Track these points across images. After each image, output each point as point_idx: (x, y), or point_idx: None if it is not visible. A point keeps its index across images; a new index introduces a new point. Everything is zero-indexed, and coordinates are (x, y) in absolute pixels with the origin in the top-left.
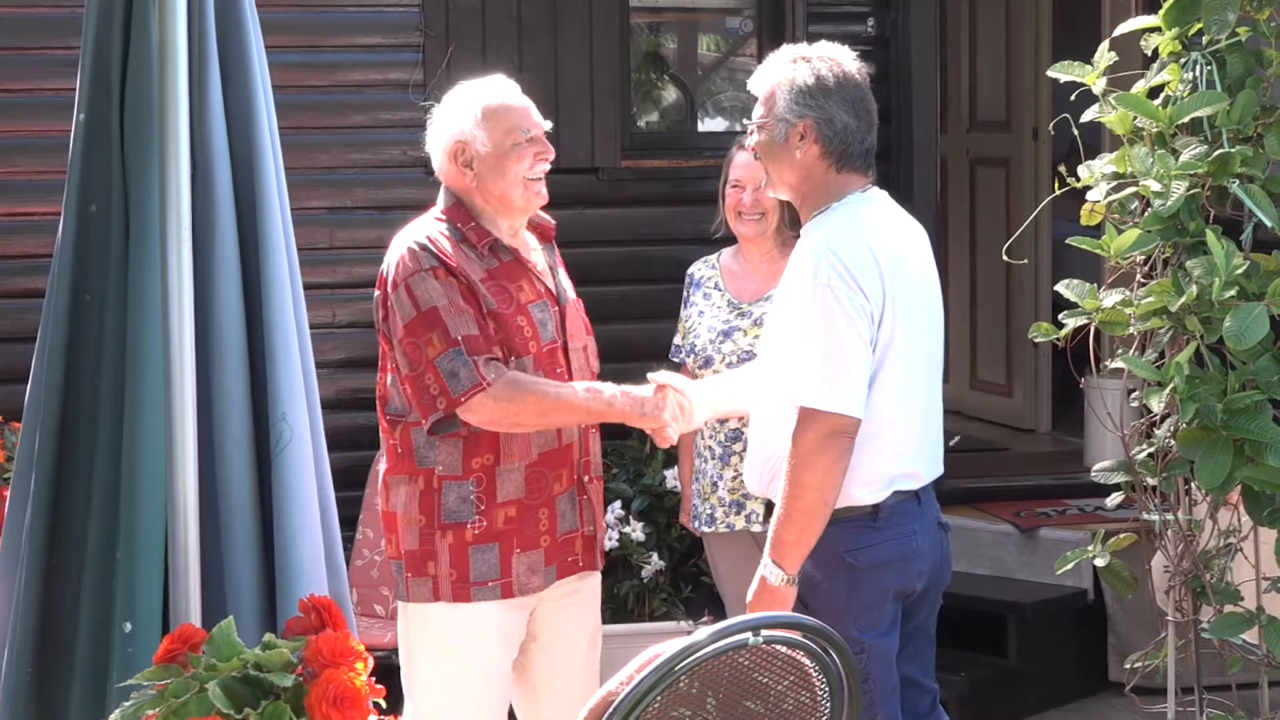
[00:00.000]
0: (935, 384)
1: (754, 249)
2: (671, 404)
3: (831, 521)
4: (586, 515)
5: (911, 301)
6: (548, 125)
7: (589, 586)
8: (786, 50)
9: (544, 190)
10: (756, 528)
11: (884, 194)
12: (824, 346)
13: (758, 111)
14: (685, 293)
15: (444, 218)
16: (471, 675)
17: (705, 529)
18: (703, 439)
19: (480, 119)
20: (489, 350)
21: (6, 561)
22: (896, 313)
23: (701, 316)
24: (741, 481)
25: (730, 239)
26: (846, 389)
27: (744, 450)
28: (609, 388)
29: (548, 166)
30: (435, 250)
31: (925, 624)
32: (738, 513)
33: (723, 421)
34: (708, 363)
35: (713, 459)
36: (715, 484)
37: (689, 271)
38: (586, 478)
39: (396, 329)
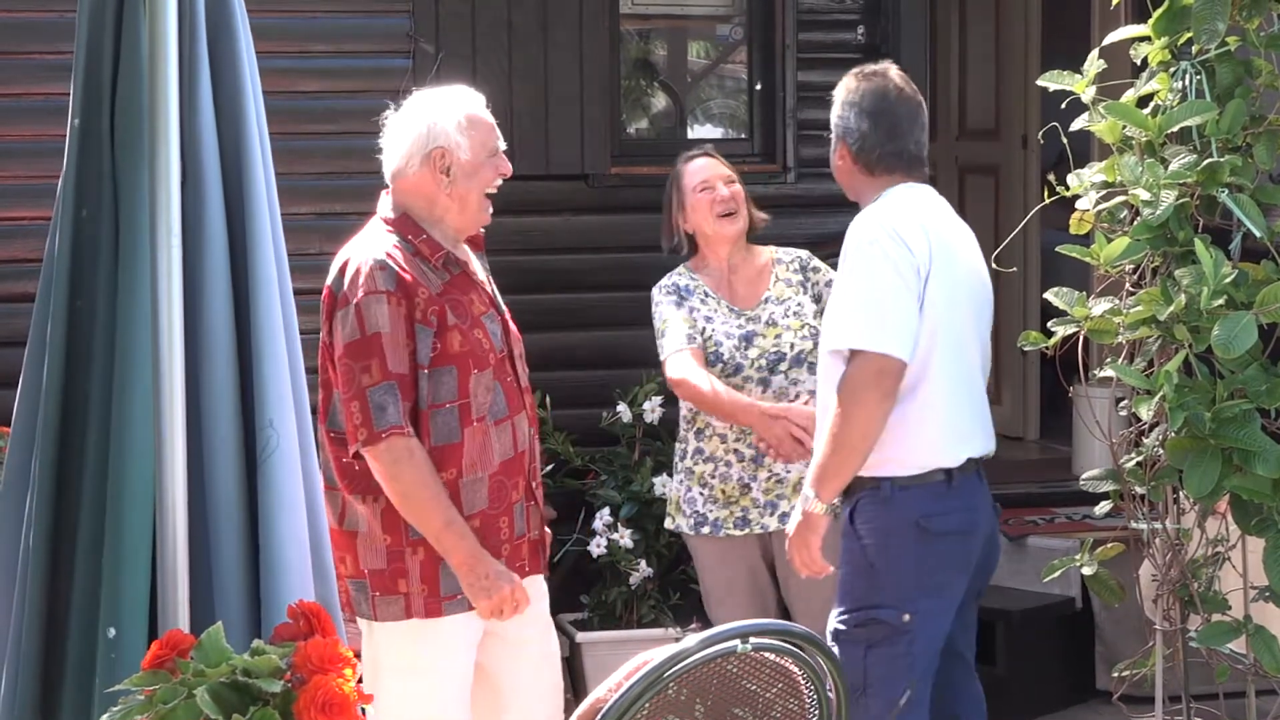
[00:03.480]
0: (987, 367)
1: (727, 257)
2: None
3: (907, 486)
4: (534, 520)
5: (958, 280)
6: (502, 145)
7: (537, 599)
8: (849, 76)
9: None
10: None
11: (933, 191)
12: (870, 292)
13: None
14: (673, 298)
15: (392, 229)
16: (441, 687)
17: (708, 533)
18: (725, 441)
19: (465, 126)
20: (409, 398)
21: (3, 569)
22: (945, 280)
23: (710, 322)
24: (777, 481)
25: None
26: (892, 330)
27: None
28: (468, 534)
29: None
30: (395, 270)
31: (970, 600)
32: (772, 513)
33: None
34: (737, 370)
35: (740, 462)
36: (748, 485)
37: (670, 284)
38: (534, 484)
39: (336, 346)
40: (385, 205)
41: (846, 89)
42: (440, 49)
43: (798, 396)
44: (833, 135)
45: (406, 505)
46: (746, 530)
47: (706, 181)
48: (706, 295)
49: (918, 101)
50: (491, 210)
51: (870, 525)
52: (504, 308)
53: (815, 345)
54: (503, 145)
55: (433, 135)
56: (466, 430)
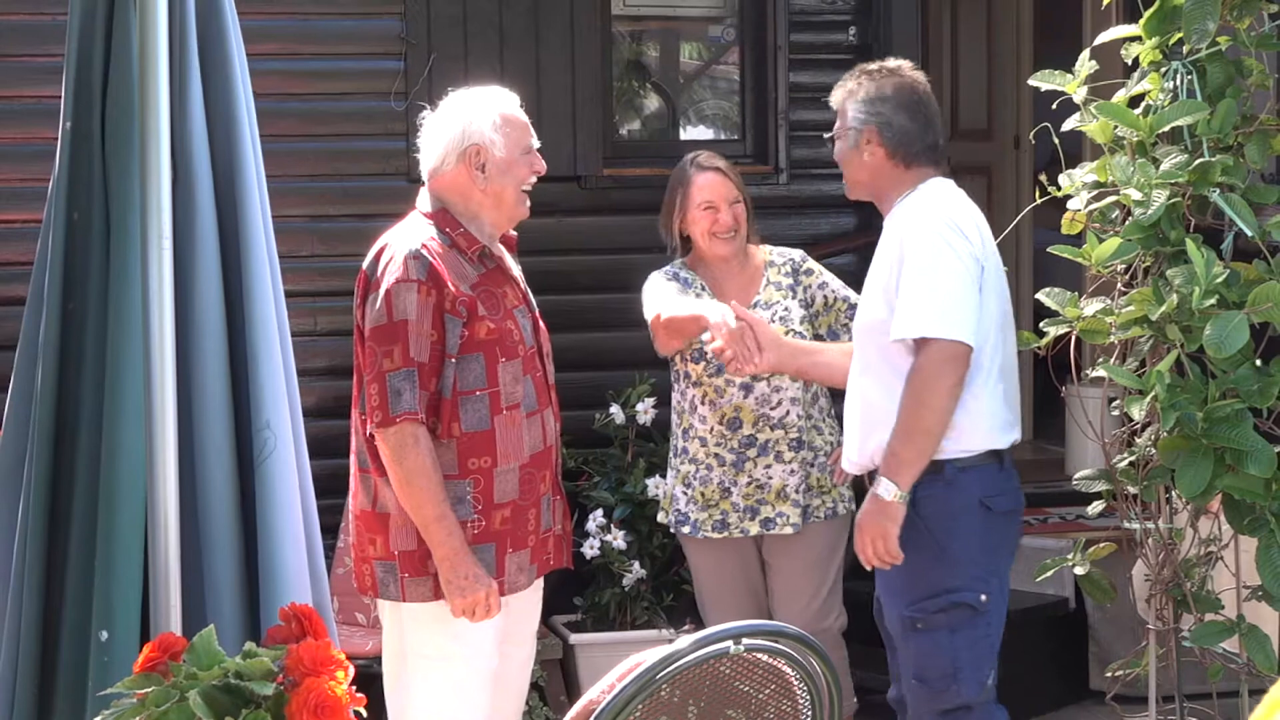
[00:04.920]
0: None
1: (725, 264)
2: None
3: (968, 468)
4: (558, 514)
5: (1000, 270)
6: (536, 143)
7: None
8: (856, 68)
9: (528, 201)
10: (789, 530)
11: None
12: (939, 281)
13: (834, 124)
14: (674, 283)
15: (431, 222)
16: (466, 676)
17: (688, 532)
18: (705, 445)
19: (500, 125)
20: (428, 386)
21: None
22: (992, 269)
23: None
24: (758, 487)
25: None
26: (960, 317)
27: (760, 455)
28: (456, 532)
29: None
30: (429, 261)
31: None
32: (752, 518)
33: (734, 430)
34: (719, 370)
35: (721, 466)
36: (728, 490)
37: (671, 271)
38: (558, 480)
39: (365, 329)
40: (424, 200)
41: (866, 87)
42: (432, 51)
43: (779, 404)
44: (854, 131)
45: (405, 490)
46: (725, 533)
47: (711, 202)
48: (702, 289)
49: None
50: (529, 205)
51: (936, 508)
52: (535, 306)
53: None
54: (537, 144)
55: (468, 134)
56: (497, 419)
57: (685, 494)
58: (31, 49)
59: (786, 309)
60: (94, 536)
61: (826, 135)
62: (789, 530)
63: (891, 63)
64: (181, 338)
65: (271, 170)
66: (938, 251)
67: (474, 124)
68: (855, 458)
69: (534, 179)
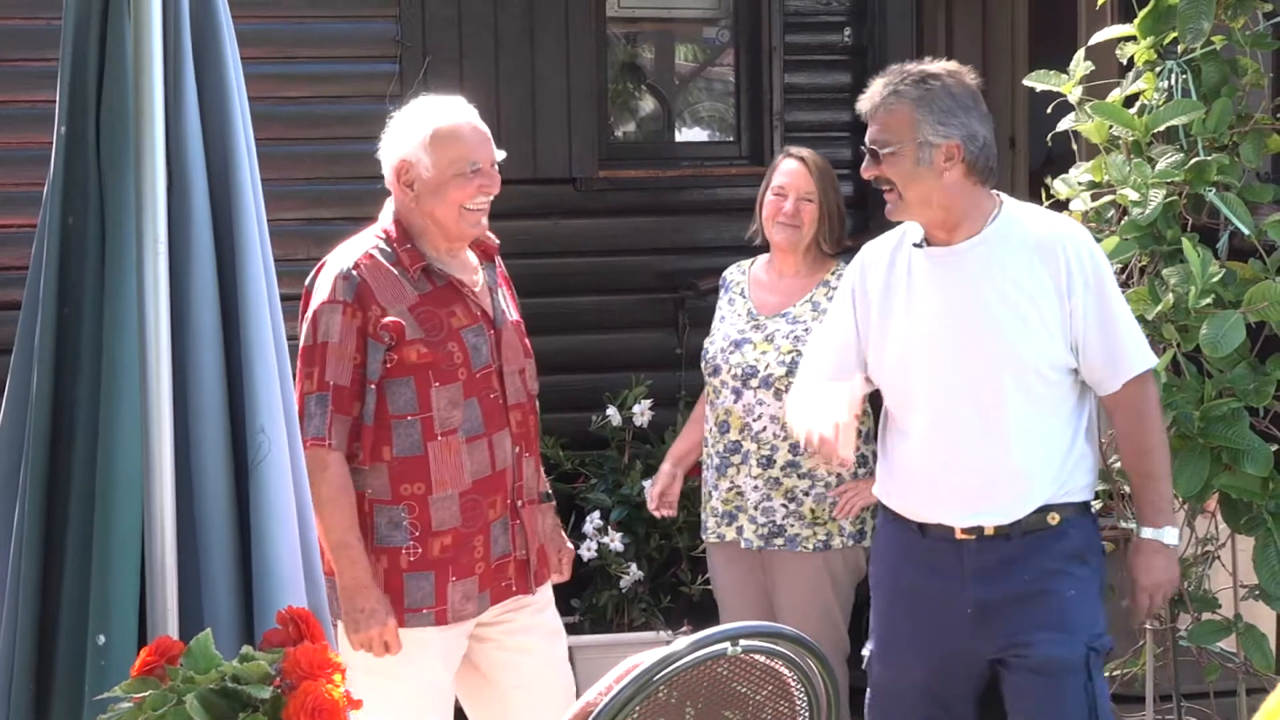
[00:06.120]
0: None
1: (784, 261)
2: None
3: (1091, 513)
4: (519, 540)
5: None
6: (500, 156)
7: (533, 611)
8: (906, 70)
9: (484, 220)
10: (744, 544)
11: None
12: (1126, 307)
13: (884, 137)
14: (722, 290)
15: (382, 236)
16: (410, 693)
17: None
18: (708, 446)
19: (428, 143)
20: (348, 410)
21: None
22: None
23: (722, 323)
24: (737, 493)
25: (765, 247)
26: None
27: (741, 462)
28: (360, 562)
29: (490, 198)
30: (358, 281)
31: None
32: (729, 524)
33: (723, 433)
34: (716, 371)
35: (710, 468)
36: (710, 493)
37: (727, 272)
38: (520, 502)
39: (300, 355)
40: (385, 212)
41: (939, 95)
42: (427, 54)
43: (760, 417)
44: (927, 147)
45: (317, 514)
46: (706, 535)
47: (782, 189)
48: (737, 295)
49: None
50: (482, 223)
51: (1092, 547)
52: (505, 322)
53: (788, 372)
54: (490, 160)
55: (395, 150)
56: (430, 444)
57: (704, 491)
58: (26, 54)
59: (808, 329)
60: (90, 541)
61: (868, 147)
62: (742, 544)
63: (944, 64)
64: (177, 342)
65: (267, 174)
66: (1112, 275)
67: (403, 140)
68: (1033, 502)
69: (483, 198)
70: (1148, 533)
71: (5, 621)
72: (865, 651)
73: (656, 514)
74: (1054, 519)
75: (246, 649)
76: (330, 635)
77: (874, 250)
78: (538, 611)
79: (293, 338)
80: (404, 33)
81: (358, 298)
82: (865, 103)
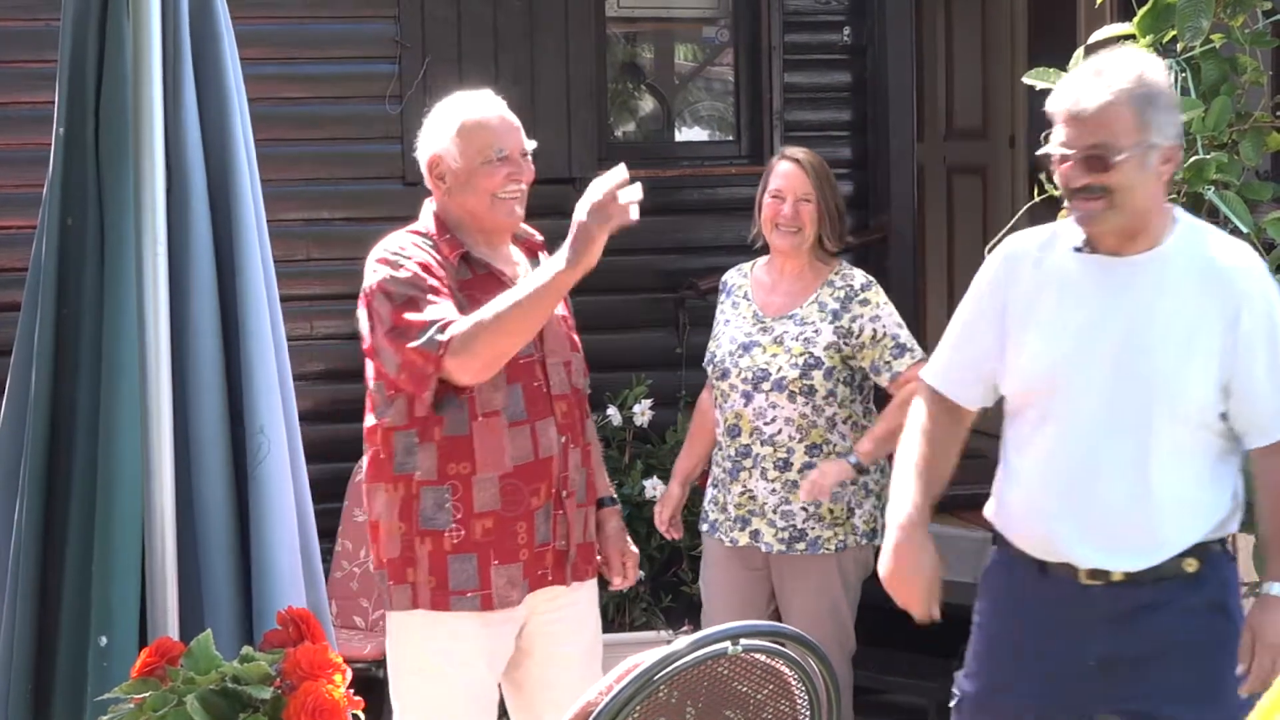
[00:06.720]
0: None
1: (786, 263)
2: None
3: (1230, 556)
4: (560, 530)
5: None
6: (531, 145)
7: (577, 600)
8: (1115, 66)
9: (518, 208)
10: (764, 549)
11: None
12: None
13: (1110, 141)
14: (722, 294)
15: (419, 230)
16: (454, 692)
17: (705, 530)
18: (719, 450)
19: (455, 135)
20: (454, 315)
21: None
22: None
23: (727, 326)
24: (750, 498)
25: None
26: None
27: (754, 466)
28: (540, 271)
29: (523, 186)
30: (406, 255)
31: None
32: (742, 529)
33: (733, 437)
34: (724, 375)
35: (720, 470)
36: (720, 498)
37: (726, 275)
38: (565, 493)
39: (385, 320)
40: (425, 212)
41: (1163, 91)
42: (426, 54)
43: (773, 420)
44: (1155, 150)
45: (511, 334)
46: (717, 535)
47: (779, 192)
48: (740, 298)
49: None
50: (516, 212)
51: (1234, 596)
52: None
53: (801, 374)
54: (519, 149)
55: (426, 144)
56: (474, 424)
57: (712, 495)
58: (25, 55)
59: (817, 330)
60: (91, 541)
61: (1095, 154)
62: (763, 548)
63: (1133, 54)
64: (176, 342)
65: (266, 174)
66: None
67: (434, 136)
68: (1169, 550)
69: (514, 186)
70: (1276, 589)
71: (5, 623)
72: (956, 690)
73: (666, 536)
74: (1191, 566)
75: (247, 650)
76: (330, 636)
77: (1020, 246)
78: (577, 606)
79: (293, 338)
80: (403, 33)
81: (420, 264)
82: (1077, 104)
